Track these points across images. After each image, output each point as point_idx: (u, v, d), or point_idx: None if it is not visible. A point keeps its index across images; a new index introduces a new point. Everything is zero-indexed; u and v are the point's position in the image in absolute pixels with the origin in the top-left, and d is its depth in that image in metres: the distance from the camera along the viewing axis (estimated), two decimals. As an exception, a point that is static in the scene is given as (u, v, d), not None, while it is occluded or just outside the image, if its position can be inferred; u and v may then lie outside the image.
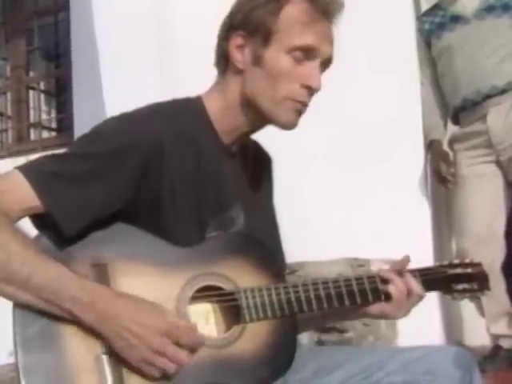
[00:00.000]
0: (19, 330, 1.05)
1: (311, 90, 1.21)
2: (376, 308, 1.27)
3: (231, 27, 1.23)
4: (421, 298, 1.27)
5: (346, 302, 1.23)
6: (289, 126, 1.24)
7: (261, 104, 1.22)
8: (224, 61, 1.25)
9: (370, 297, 1.25)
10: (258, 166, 1.36)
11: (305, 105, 1.23)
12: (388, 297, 1.26)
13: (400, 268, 1.27)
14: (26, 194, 1.09)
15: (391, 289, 1.25)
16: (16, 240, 1.06)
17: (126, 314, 1.05)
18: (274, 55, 1.19)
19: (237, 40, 1.21)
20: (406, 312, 1.28)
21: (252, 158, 1.35)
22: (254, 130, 1.30)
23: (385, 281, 1.25)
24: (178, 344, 1.07)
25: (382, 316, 1.29)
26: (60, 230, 1.09)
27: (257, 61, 1.20)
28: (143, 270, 1.12)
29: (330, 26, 1.22)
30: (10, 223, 1.08)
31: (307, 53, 1.20)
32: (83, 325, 1.05)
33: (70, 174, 1.12)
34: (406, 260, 1.29)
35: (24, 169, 1.11)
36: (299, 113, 1.23)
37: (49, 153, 1.17)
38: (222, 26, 1.26)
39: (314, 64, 1.20)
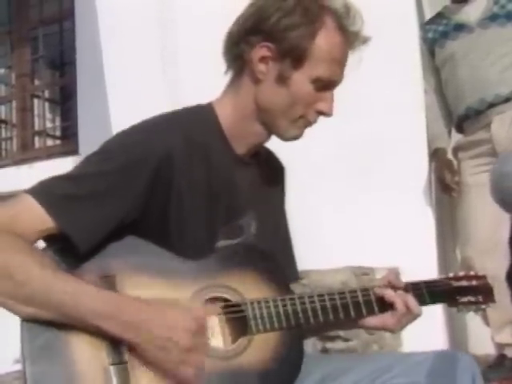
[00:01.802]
0: (27, 340, 1.04)
1: (323, 115, 1.25)
2: (377, 320, 1.26)
3: (256, 32, 1.21)
4: (417, 315, 1.26)
5: (352, 313, 1.23)
6: (294, 139, 1.27)
7: (275, 119, 1.24)
8: (241, 63, 1.24)
9: (376, 309, 1.25)
10: (270, 174, 1.36)
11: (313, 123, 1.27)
12: (387, 309, 1.25)
13: (395, 283, 1.27)
14: (39, 218, 1.09)
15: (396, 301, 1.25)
16: (33, 260, 1.05)
17: (153, 320, 1.05)
18: (300, 80, 1.20)
19: (263, 51, 1.20)
20: (403, 327, 1.28)
21: (265, 166, 1.34)
22: (264, 140, 1.30)
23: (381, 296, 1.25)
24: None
25: (383, 328, 1.29)
26: (70, 244, 1.09)
27: (282, 80, 1.21)
28: (151, 282, 1.12)
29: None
30: (26, 244, 1.07)
31: (328, 83, 1.23)
32: (108, 336, 1.05)
33: (82, 195, 1.11)
34: (395, 273, 1.30)
35: (35, 192, 1.10)
36: (305, 128, 1.27)
37: (55, 166, 1.17)
38: (244, 25, 1.23)
39: (331, 93, 1.24)
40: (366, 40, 1.24)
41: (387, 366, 1.20)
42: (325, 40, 1.19)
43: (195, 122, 1.23)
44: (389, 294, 1.25)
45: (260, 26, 1.20)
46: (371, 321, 1.27)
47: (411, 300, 1.25)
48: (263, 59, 1.21)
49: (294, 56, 1.19)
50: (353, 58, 1.24)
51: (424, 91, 2.92)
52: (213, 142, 1.23)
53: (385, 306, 1.26)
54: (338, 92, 1.27)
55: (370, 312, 1.25)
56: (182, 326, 1.05)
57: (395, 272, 1.32)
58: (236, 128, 1.25)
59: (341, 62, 1.22)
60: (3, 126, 4.25)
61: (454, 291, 1.33)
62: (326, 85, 1.22)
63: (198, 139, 1.21)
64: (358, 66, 1.24)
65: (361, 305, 1.23)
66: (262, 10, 1.21)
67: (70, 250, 1.09)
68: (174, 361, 1.05)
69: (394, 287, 1.26)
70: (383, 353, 2.45)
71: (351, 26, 1.21)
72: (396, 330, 1.28)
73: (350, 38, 1.22)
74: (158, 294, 1.11)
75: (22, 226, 1.08)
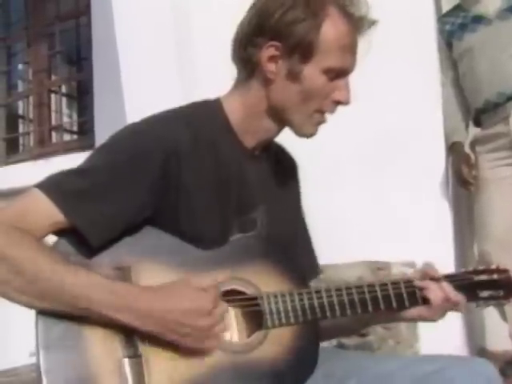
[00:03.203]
0: (41, 332, 1.05)
1: (341, 104, 1.24)
2: (413, 312, 1.26)
3: (261, 33, 1.20)
4: (457, 302, 1.26)
5: (370, 308, 1.22)
6: (309, 136, 1.26)
7: (290, 116, 1.23)
8: (251, 66, 1.23)
9: (407, 302, 1.25)
10: (282, 170, 1.35)
11: (330, 115, 1.26)
12: (425, 302, 1.25)
13: (430, 274, 1.26)
14: (49, 212, 1.09)
15: (430, 295, 1.25)
16: (42, 255, 1.05)
17: (166, 307, 1.06)
18: (312, 73, 1.19)
19: (270, 51, 1.19)
20: (442, 315, 1.28)
21: (276, 161, 1.34)
22: (275, 135, 1.29)
23: (421, 288, 1.25)
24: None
25: (420, 319, 1.29)
26: (83, 237, 1.09)
27: (293, 76, 1.20)
28: (166, 273, 1.11)
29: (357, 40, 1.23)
30: (35, 240, 1.07)
31: (340, 72, 1.22)
32: (124, 328, 1.05)
33: (93, 190, 1.11)
34: (431, 266, 1.29)
35: (44, 187, 1.10)
36: (321, 124, 1.26)
37: (69, 161, 1.16)
38: (249, 27, 1.22)
39: (345, 81, 1.23)
40: (372, 23, 1.22)
41: (391, 375, 1.15)
42: (331, 30, 1.18)
43: (203, 116, 1.23)
44: (430, 287, 1.24)
45: (264, 25, 1.19)
46: (411, 312, 1.26)
47: (449, 289, 1.25)
48: (272, 59, 1.20)
49: (302, 50, 1.18)
50: (363, 43, 1.22)
51: (441, 84, 2.90)
52: (221, 135, 1.23)
53: (416, 298, 1.25)
54: (355, 86, 1.26)
55: (401, 306, 1.24)
56: (196, 307, 1.06)
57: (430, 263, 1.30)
58: (244, 123, 1.25)
59: (351, 49, 1.21)
60: (21, 121, 4.28)
61: (475, 285, 1.30)
62: (338, 73, 1.21)
63: (206, 133, 1.20)
64: (368, 50, 1.22)
65: (391, 298, 1.23)
66: (264, 10, 1.20)
67: (84, 240, 1.09)
68: (196, 341, 1.07)
69: (433, 279, 1.25)
70: (398, 349, 2.44)
71: (356, 12, 1.20)
72: (436, 319, 1.28)
73: (357, 23, 1.20)
74: None
75: (31, 221, 1.08)
